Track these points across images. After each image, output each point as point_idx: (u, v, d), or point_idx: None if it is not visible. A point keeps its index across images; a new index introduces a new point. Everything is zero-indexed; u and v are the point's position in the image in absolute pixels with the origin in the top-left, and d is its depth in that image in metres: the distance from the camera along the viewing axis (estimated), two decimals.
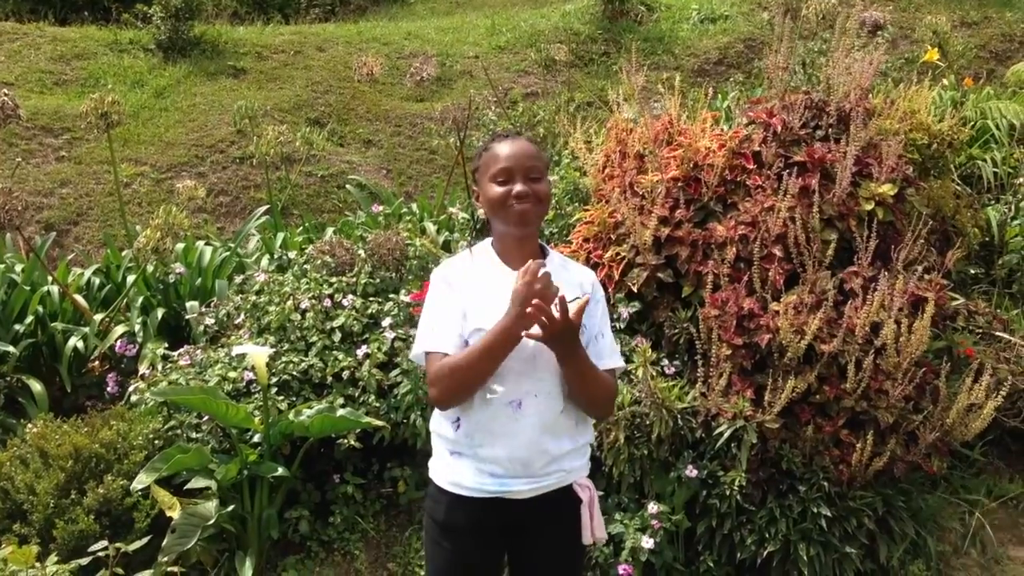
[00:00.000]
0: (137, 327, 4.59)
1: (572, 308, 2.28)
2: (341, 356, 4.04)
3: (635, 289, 3.96)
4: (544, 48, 7.53)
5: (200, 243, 5.43)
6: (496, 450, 2.31)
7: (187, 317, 4.63)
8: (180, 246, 5.14)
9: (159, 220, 4.60)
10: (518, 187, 2.34)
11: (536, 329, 2.23)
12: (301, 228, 5.83)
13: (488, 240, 2.50)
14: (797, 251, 3.79)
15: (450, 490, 2.39)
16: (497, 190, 2.36)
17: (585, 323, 2.35)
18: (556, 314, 2.20)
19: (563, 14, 9.57)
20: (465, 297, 2.35)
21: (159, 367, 4.22)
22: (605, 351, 2.44)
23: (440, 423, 2.43)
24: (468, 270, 2.43)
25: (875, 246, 3.80)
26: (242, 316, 4.38)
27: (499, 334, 2.23)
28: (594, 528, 2.44)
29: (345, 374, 4.00)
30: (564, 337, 2.23)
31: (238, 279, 4.69)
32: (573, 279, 2.45)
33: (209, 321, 4.47)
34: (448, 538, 2.43)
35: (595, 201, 4.47)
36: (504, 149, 2.39)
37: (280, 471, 3.72)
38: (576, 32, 9.02)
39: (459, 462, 2.38)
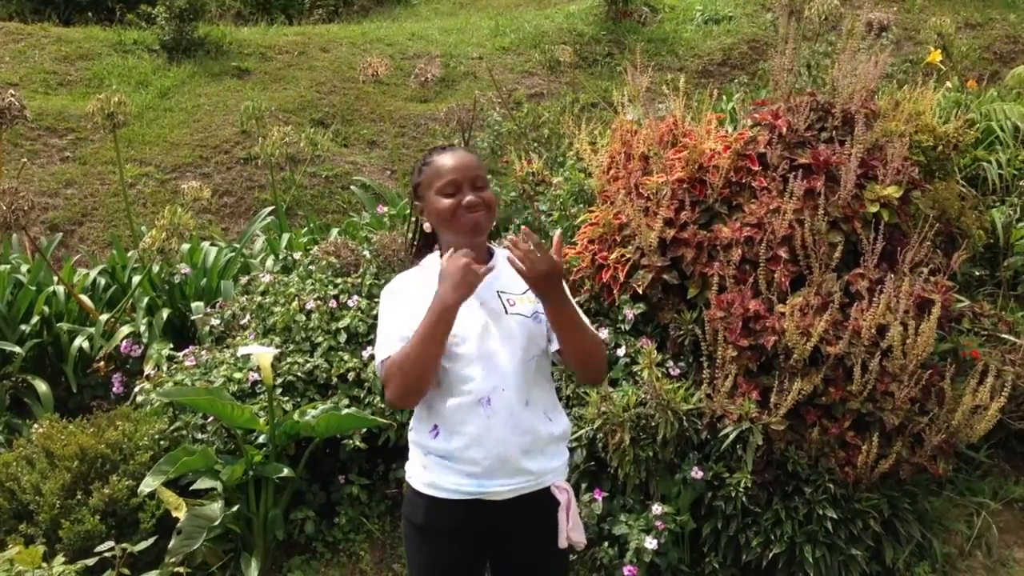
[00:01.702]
0: (142, 327, 4.60)
1: (526, 300, 2.37)
2: (346, 357, 4.05)
3: (640, 291, 3.96)
4: (548, 49, 7.55)
5: (205, 244, 5.44)
6: (473, 450, 2.32)
7: (192, 318, 4.64)
8: (185, 247, 5.14)
9: (164, 220, 4.61)
10: (469, 197, 2.37)
11: (489, 309, 2.33)
12: (306, 229, 5.83)
13: (437, 253, 2.50)
14: (803, 253, 3.79)
15: (428, 493, 2.39)
16: (446, 202, 2.37)
17: None
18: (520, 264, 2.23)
19: (567, 15, 9.58)
20: (415, 304, 2.33)
21: (164, 368, 4.23)
22: None
23: (419, 432, 2.43)
24: (416, 280, 2.43)
25: (881, 248, 3.80)
26: (247, 317, 4.39)
27: (433, 313, 2.24)
28: (570, 531, 2.44)
29: (350, 375, 4.00)
30: (550, 275, 2.24)
31: (243, 280, 4.70)
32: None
33: (214, 322, 4.48)
34: (428, 541, 2.43)
35: (600, 203, 4.46)
36: (448, 161, 2.41)
37: (285, 472, 3.72)
38: (580, 33, 9.03)
39: (436, 464, 2.37)
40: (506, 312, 2.37)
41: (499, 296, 2.39)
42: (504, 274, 2.41)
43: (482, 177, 2.42)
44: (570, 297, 2.36)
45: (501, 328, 2.35)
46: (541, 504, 2.41)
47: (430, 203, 2.42)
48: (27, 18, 9.62)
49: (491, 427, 2.31)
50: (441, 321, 2.24)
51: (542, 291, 2.27)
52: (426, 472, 2.39)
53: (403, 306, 2.37)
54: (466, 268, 2.24)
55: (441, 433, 2.36)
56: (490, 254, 2.49)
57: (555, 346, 2.43)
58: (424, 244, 2.56)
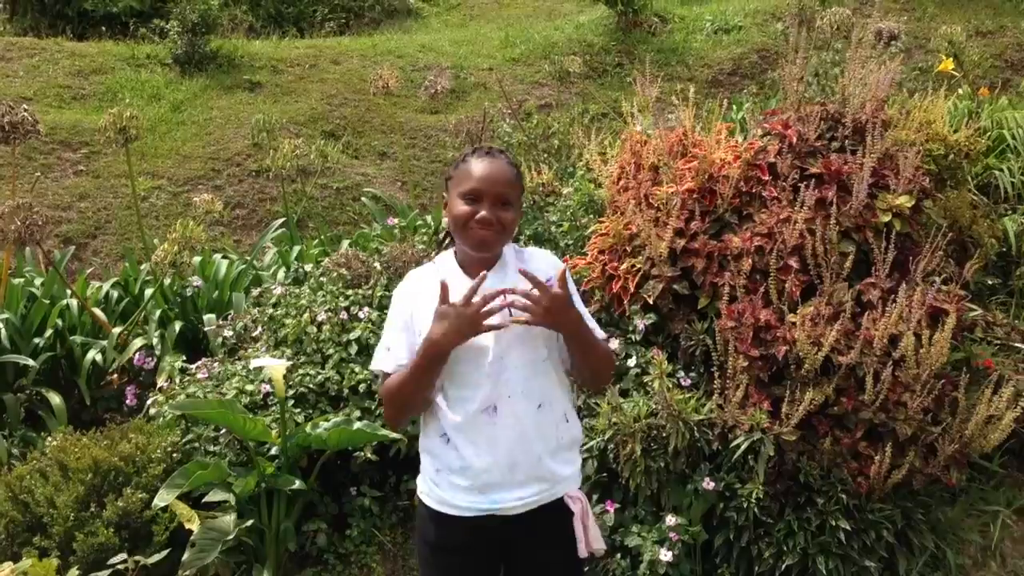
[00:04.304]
0: (155, 340, 4.62)
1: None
2: (357, 369, 4.06)
3: (651, 301, 3.95)
4: (558, 60, 7.56)
5: (217, 256, 5.47)
6: (482, 458, 2.29)
7: (204, 330, 4.66)
8: (197, 259, 5.17)
9: (176, 233, 4.64)
10: (483, 213, 2.28)
11: (497, 319, 2.24)
12: (317, 241, 5.85)
13: (451, 252, 2.46)
14: (814, 263, 3.78)
15: (440, 510, 2.37)
16: (462, 208, 2.30)
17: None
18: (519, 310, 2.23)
19: (577, 26, 9.59)
20: (422, 311, 2.31)
21: (177, 380, 4.24)
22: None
23: (429, 437, 2.40)
24: (428, 281, 2.37)
25: (892, 258, 3.78)
26: (259, 329, 4.40)
27: (424, 353, 2.23)
28: (589, 540, 2.41)
29: (362, 387, 4.01)
30: (559, 312, 2.23)
31: (255, 292, 4.71)
32: (533, 269, 2.36)
33: (226, 334, 4.50)
34: (439, 557, 2.42)
35: (610, 213, 4.47)
36: (479, 168, 2.32)
37: (297, 484, 3.73)
38: (590, 44, 9.04)
39: (446, 481, 2.35)
40: (510, 315, 2.28)
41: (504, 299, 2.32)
42: (511, 276, 2.35)
43: (508, 195, 2.32)
44: (583, 315, 2.34)
45: (505, 334, 2.28)
46: (554, 516, 2.38)
47: (451, 203, 2.35)
48: (41, 33, 9.70)
49: (498, 436, 2.29)
50: (433, 363, 2.24)
51: (553, 326, 2.26)
52: (437, 489, 2.37)
53: (402, 319, 2.37)
54: (468, 319, 2.19)
55: (451, 440, 2.33)
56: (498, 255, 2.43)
57: (568, 362, 2.41)
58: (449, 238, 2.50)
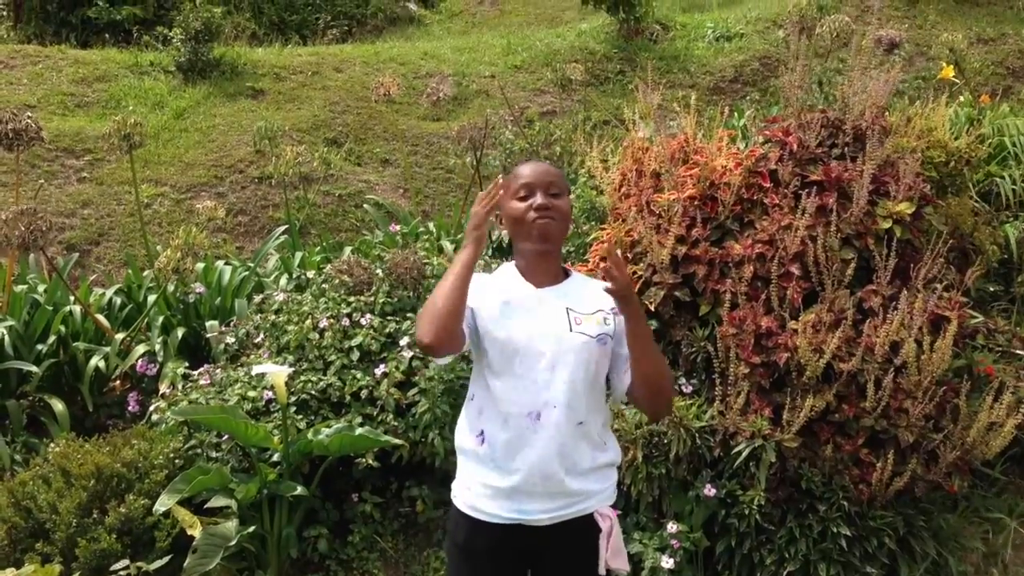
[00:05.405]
0: (158, 346, 4.63)
1: (593, 321, 2.39)
2: (359, 375, 4.06)
3: (652, 308, 3.96)
4: (560, 67, 7.56)
5: (220, 263, 5.47)
6: (516, 462, 2.32)
7: (207, 336, 4.66)
8: (200, 266, 5.18)
9: (179, 240, 4.65)
10: (539, 200, 2.38)
11: (562, 322, 2.35)
12: (319, 247, 5.86)
13: (511, 262, 2.53)
14: (815, 270, 3.79)
15: (470, 514, 2.41)
16: (518, 205, 2.40)
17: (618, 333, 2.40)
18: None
19: (578, 33, 9.61)
20: (480, 300, 2.38)
21: (179, 386, 4.25)
22: None
23: (465, 436, 2.44)
24: (489, 280, 2.47)
25: (894, 264, 3.79)
26: (261, 335, 4.41)
27: (460, 253, 2.29)
28: (609, 558, 2.42)
29: (363, 393, 4.01)
30: (631, 290, 2.27)
31: (257, 298, 4.72)
32: (593, 295, 2.46)
33: (229, 340, 4.50)
34: (468, 561, 2.45)
35: (611, 220, 4.48)
36: (526, 168, 2.46)
37: (299, 490, 3.74)
38: (592, 51, 9.06)
39: (478, 484, 2.39)
40: (571, 329, 2.36)
41: (567, 313, 2.39)
42: (575, 293, 2.44)
43: (557, 185, 2.43)
44: (644, 317, 2.37)
45: (563, 344, 2.34)
46: (583, 530, 2.40)
47: (505, 208, 2.45)
48: (45, 40, 9.73)
49: (536, 442, 2.31)
50: (465, 257, 2.28)
51: (629, 303, 2.27)
52: (470, 494, 2.41)
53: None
54: (477, 207, 2.32)
55: (487, 440, 2.36)
56: (566, 274, 2.50)
57: (627, 380, 2.41)
58: (499, 248, 2.58)
